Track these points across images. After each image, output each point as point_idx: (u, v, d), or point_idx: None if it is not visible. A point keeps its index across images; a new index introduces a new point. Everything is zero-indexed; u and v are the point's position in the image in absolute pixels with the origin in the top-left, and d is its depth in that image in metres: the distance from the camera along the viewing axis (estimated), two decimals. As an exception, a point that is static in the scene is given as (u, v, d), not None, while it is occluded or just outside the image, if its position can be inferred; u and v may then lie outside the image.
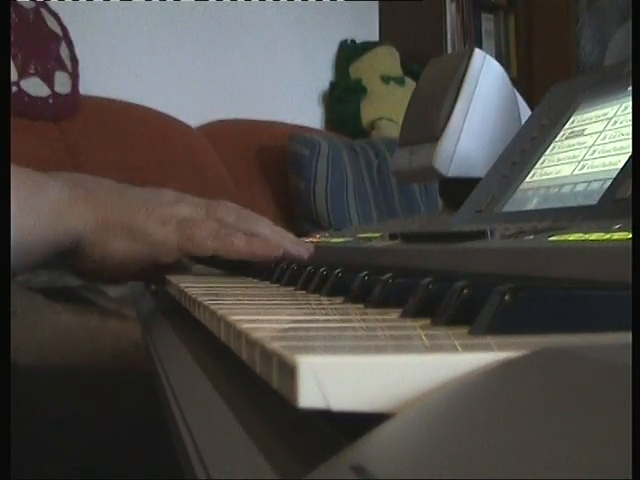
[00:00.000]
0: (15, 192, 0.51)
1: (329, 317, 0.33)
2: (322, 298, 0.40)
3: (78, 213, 0.55)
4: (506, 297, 0.24)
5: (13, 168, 0.53)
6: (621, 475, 0.11)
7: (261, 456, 0.20)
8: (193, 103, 2.15)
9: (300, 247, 0.61)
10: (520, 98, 0.82)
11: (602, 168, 0.50)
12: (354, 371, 0.18)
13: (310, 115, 2.47)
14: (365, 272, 0.38)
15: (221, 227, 0.59)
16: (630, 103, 0.52)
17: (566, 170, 0.54)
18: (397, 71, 2.52)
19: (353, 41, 2.59)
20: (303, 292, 0.44)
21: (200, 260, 0.68)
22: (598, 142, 0.53)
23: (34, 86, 1.70)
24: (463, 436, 0.15)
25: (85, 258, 0.57)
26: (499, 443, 0.14)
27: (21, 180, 0.53)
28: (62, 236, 0.54)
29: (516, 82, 0.89)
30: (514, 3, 2.83)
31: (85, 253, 0.56)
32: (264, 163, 2.13)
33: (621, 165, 0.47)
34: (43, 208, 0.53)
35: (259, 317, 0.31)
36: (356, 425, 0.17)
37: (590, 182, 0.50)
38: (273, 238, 0.61)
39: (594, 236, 0.36)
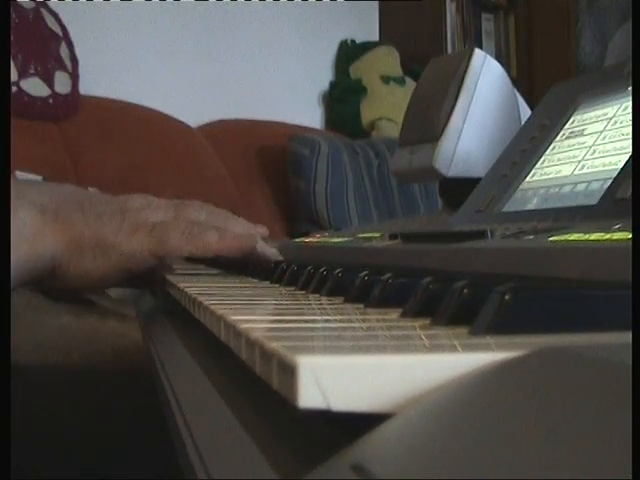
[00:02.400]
0: None
1: (329, 317, 0.33)
2: (322, 298, 0.40)
3: (50, 236, 0.55)
4: (506, 297, 0.24)
5: None
6: (621, 475, 0.11)
7: (261, 456, 0.20)
8: (193, 103, 2.15)
9: (267, 247, 0.62)
10: (520, 98, 0.82)
11: (602, 168, 0.50)
12: (354, 371, 0.18)
13: (310, 115, 2.47)
14: (365, 272, 0.38)
15: (194, 225, 0.59)
16: (630, 103, 0.52)
17: (566, 170, 0.54)
18: (397, 71, 2.52)
19: (353, 41, 2.59)
20: (303, 292, 0.44)
21: (200, 260, 0.68)
22: (598, 142, 0.53)
23: (34, 86, 1.70)
24: (463, 436, 0.15)
25: (61, 279, 0.57)
26: (499, 443, 0.14)
27: None
28: (36, 261, 0.54)
29: (516, 82, 0.89)
30: (514, 3, 2.83)
31: (60, 275, 0.56)
32: (264, 163, 2.13)
33: (621, 165, 0.47)
34: (15, 235, 0.53)
35: (259, 317, 0.31)
36: (356, 425, 0.17)
37: (590, 182, 0.50)
38: (245, 233, 0.62)
39: (594, 236, 0.36)
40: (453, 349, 0.21)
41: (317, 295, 0.42)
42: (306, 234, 0.87)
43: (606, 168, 0.49)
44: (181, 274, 0.61)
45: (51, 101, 1.73)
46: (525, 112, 0.81)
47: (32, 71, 1.70)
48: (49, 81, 1.73)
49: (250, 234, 0.61)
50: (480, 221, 0.58)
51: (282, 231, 1.96)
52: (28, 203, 0.56)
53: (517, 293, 0.24)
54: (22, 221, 0.54)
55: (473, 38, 2.73)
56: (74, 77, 1.79)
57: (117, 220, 0.58)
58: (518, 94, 0.83)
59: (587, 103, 0.59)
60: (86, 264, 0.57)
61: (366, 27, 2.68)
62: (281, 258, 0.62)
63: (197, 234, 0.58)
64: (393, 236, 0.58)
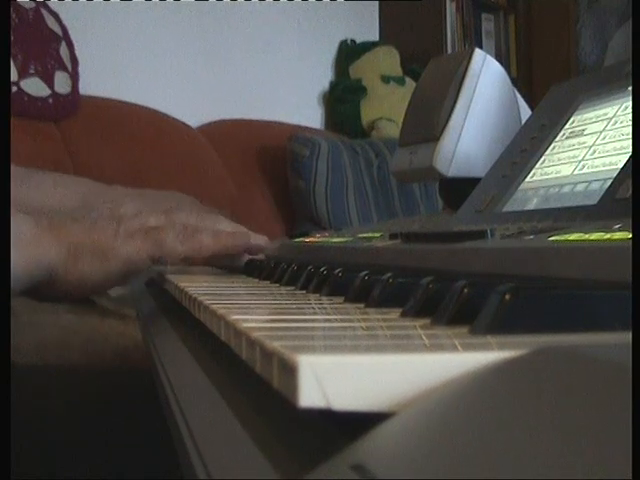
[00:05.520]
0: None
1: (329, 317, 0.33)
2: (322, 298, 0.40)
3: (46, 244, 0.55)
4: (506, 297, 0.24)
5: None
6: (621, 475, 0.11)
7: (261, 456, 0.20)
8: (193, 103, 2.15)
9: (259, 236, 0.64)
10: (520, 98, 0.82)
11: (602, 168, 0.50)
12: (354, 370, 0.18)
13: (310, 115, 2.47)
14: (365, 272, 0.38)
15: (187, 226, 0.60)
16: (630, 103, 0.52)
17: (566, 170, 0.54)
18: (397, 71, 2.52)
19: (353, 41, 2.59)
20: (303, 292, 0.44)
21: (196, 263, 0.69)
22: (598, 142, 0.53)
23: (34, 86, 1.70)
24: (463, 435, 0.15)
25: (59, 287, 0.57)
26: (499, 442, 0.14)
27: None
28: (33, 269, 0.54)
29: (516, 82, 0.89)
30: (514, 3, 2.83)
31: (59, 282, 0.57)
32: (264, 163, 2.13)
33: (621, 165, 0.47)
34: (15, 239, 0.53)
35: (259, 317, 0.31)
36: (356, 425, 0.17)
37: (590, 182, 0.50)
38: (238, 231, 0.63)
39: (594, 236, 0.36)
40: (453, 349, 0.21)
41: (317, 295, 0.42)
42: (306, 234, 0.87)
43: (606, 168, 0.49)
44: (181, 274, 0.61)
45: (51, 101, 1.73)
46: (525, 112, 0.81)
47: (32, 71, 1.70)
48: (49, 81, 1.73)
49: (242, 231, 0.62)
50: (480, 221, 0.58)
51: (282, 231, 1.96)
52: (19, 212, 0.56)
53: (517, 293, 0.24)
54: (18, 229, 0.54)
55: (473, 38, 2.73)
56: (74, 77, 1.79)
57: (113, 225, 0.58)
58: (518, 94, 0.83)
59: (587, 103, 0.59)
60: (84, 270, 0.57)
61: (366, 27, 2.68)
62: (272, 245, 0.64)
63: (192, 235, 0.59)
64: (393, 236, 0.58)
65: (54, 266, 0.56)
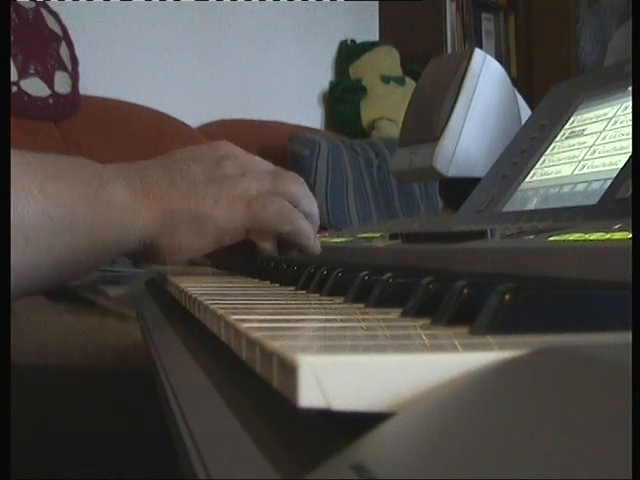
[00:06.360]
0: (72, 189, 0.48)
1: (329, 317, 0.33)
2: (322, 298, 0.40)
3: (139, 214, 0.51)
4: (506, 297, 0.24)
5: (68, 160, 0.51)
6: (621, 475, 0.11)
7: (261, 456, 0.20)
8: (193, 103, 2.15)
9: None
10: (520, 98, 0.82)
11: (602, 168, 0.50)
12: (354, 370, 0.18)
13: (310, 115, 2.47)
14: (365, 272, 0.38)
15: (292, 210, 0.57)
16: (630, 103, 0.52)
17: (566, 170, 0.54)
18: (397, 71, 2.52)
19: (353, 41, 2.59)
20: (303, 292, 0.44)
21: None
22: (598, 142, 0.53)
23: (34, 86, 1.70)
24: (463, 435, 0.15)
25: (154, 256, 0.53)
26: (499, 443, 0.14)
27: (78, 177, 0.50)
28: (125, 241, 0.51)
29: (516, 82, 0.89)
30: (514, 3, 2.83)
31: (153, 252, 0.53)
32: (264, 163, 2.13)
33: (621, 165, 0.47)
34: (103, 212, 0.50)
35: (259, 317, 0.31)
36: (356, 425, 0.17)
37: (590, 182, 0.50)
38: (315, 224, 0.61)
39: (594, 236, 0.36)
40: (453, 349, 0.21)
41: (317, 295, 0.42)
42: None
43: (606, 168, 0.49)
44: (181, 274, 0.61)
45: (51, 101, 1.73)
46: (525, 112, 0.81)
47: (32, 71, 1.70)
48: (49, 81, 1.73)
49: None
50: (480, 221, 0.58)
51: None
52: (117, 177, 0.52)
53: (517, 293, 0.24)
54: (111, 197, 0.50)
55: (473, 38, 2.73)
56: (74, 77, 1.79)
57: (213, 190, 0.54)
58: (518, 94, 0.83)
59: (587, 103, 0.59)
60: (180, 239, 0.53)
61: (366, 27, 2.68)
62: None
63: (294, 219, 0.56)
64: (393, 236, 0.58)
65: (148, 236, 0.52)
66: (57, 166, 0.49)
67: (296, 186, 0.58)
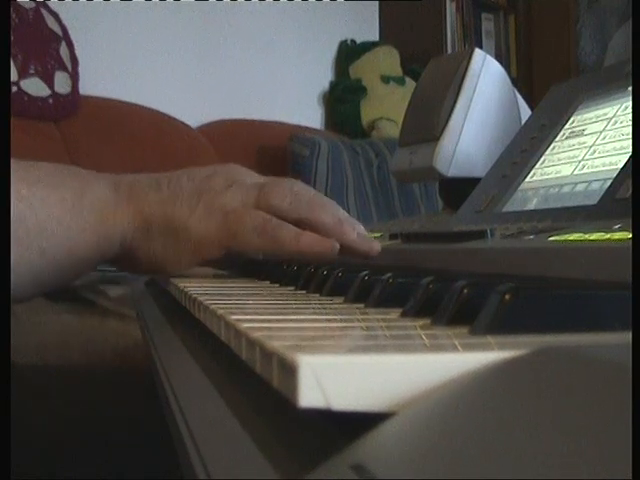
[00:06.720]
0: (59, 195, 0.48)
1: (329, 317, 0.33)
2: (322, 298, 0.40)
3: (120, 215, 0.51)
4: (506, 297, 0.24)
5: (56, 167, 0.51)
6: (621, 475, 0.11)
7: (261, 456, 0.20)
8: (193, 103, 2.15)
9: (366, 242, 0.53)
10: (520, 98, 0.82)
11: (602, 168, 0.50)
12: (354, 370, 0.18)
13: (310, 115, 2.47)
14: (365, 272, 0.38)
15: (270, 218, 0.52)
16: (630, 103, 0.52)
17: (566, 170, 0.54)
18: (397, 71, 2.52)
19: (353, 41, 2.59)
20: (303, 292, 0.44)
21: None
22: (598, 142, 0.53)
23: (34, 86, 1.70)
24: (463, 436, 0.15)
25: (131, 262, 0.53)
26: (499, 443, 0.14)
27: (64, 182, 0.50)
28: (108, 241, 0.51)
29: (516, 82, 0.89)
30: (514, 3, 2.83)
31: (130, 257, 0.53)
32: (264, 163, 2.13)
33: (621, 165, 0.47)
34: (89, 213, 0.50)
35: (259, 317, 0.31)
36: (356, 425, 0.17)
37: (590, 182, 0.50)
38: (332, 229, 0.52)
39: (594, 236, 0.36)
40: (453, 349, 0.21)
41: (317, 295, 0.42)
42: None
43: (606, 168, 0.49)
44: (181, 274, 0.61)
45: (51, 101, 1.73)
46: (525, 112, 0.81)
47: (32, 71, 1.70)
48: (49, 81, 1.73)
49: (335, 235, 0.52)
50: (480, 221, 0.58)
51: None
52: (102, 178, 0.52)
53: (517, 293, 0.24)
54: (91, 201, 0.50)
55: (473, 38, 2.73)
56: (74, 77, 1.79)
57: (192, 202, 0.52)
58: (518, 94, 0.83)
59: (587, 103, 0.59)
60: (155, 247, 0.52)
61: (366, 27, 2.68)
62: (378, 253, 0.52)
63: (273, 229, 0.51)
64: (393, 236, 0.58)
65: (127, 240, 0.51)
66: (38, 171, 0.50)
67: (283, 196, 0.54)
